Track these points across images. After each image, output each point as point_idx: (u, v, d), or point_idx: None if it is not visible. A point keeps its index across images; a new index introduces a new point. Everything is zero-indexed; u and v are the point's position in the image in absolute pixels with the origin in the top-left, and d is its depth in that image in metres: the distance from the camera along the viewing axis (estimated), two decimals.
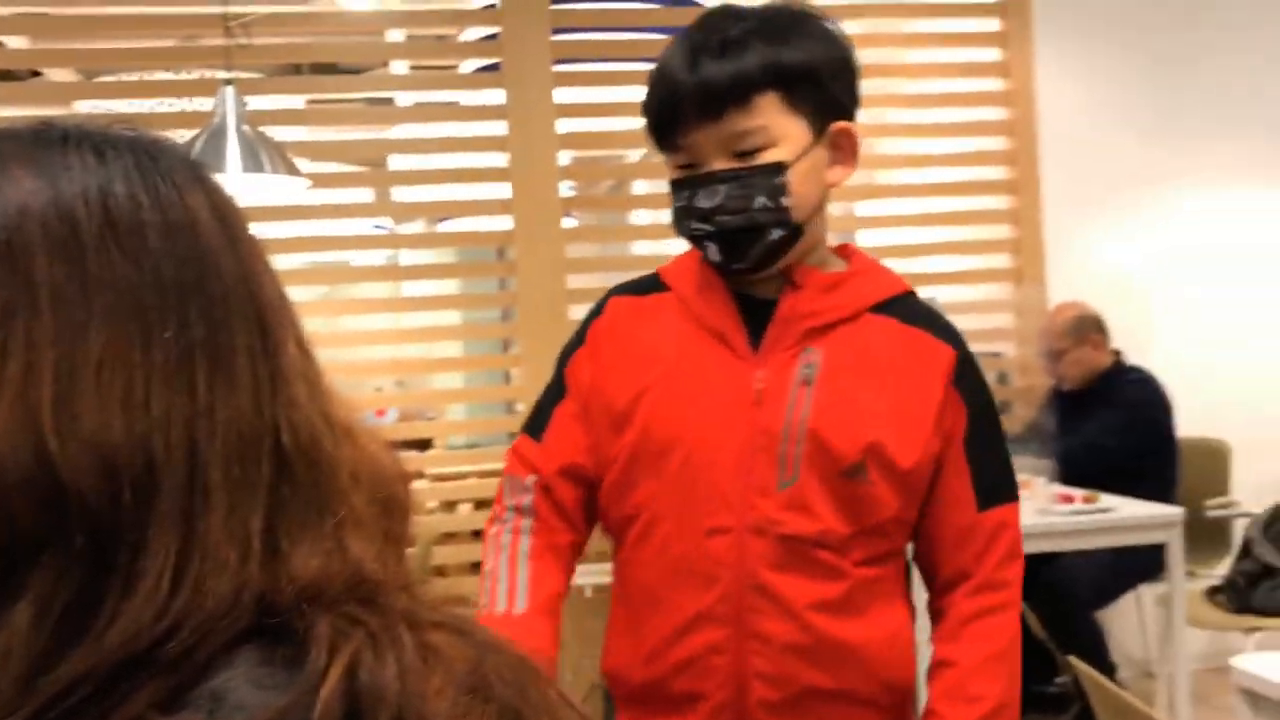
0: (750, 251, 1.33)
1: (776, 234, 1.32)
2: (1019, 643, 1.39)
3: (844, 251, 1.44)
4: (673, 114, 1.33)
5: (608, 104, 4.39)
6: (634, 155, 7.23)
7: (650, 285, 1.45)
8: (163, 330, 0.51)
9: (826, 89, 1.33)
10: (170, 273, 0.52)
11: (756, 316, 1.37)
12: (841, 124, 1.35)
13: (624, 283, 1.49)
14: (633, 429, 1.37)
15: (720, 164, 1.31)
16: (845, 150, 1.37)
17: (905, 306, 1.40)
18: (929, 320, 1.39)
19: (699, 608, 1.34)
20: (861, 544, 1.34)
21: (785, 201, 1.31)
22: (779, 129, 1.31)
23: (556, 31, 4.30)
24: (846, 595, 1.34)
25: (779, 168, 1.30)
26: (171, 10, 4.31)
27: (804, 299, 1.36)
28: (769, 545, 1.32)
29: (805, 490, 1.32)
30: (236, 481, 0.51)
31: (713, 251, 1.35)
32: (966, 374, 1.38)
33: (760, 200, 1.30)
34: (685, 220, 1.35)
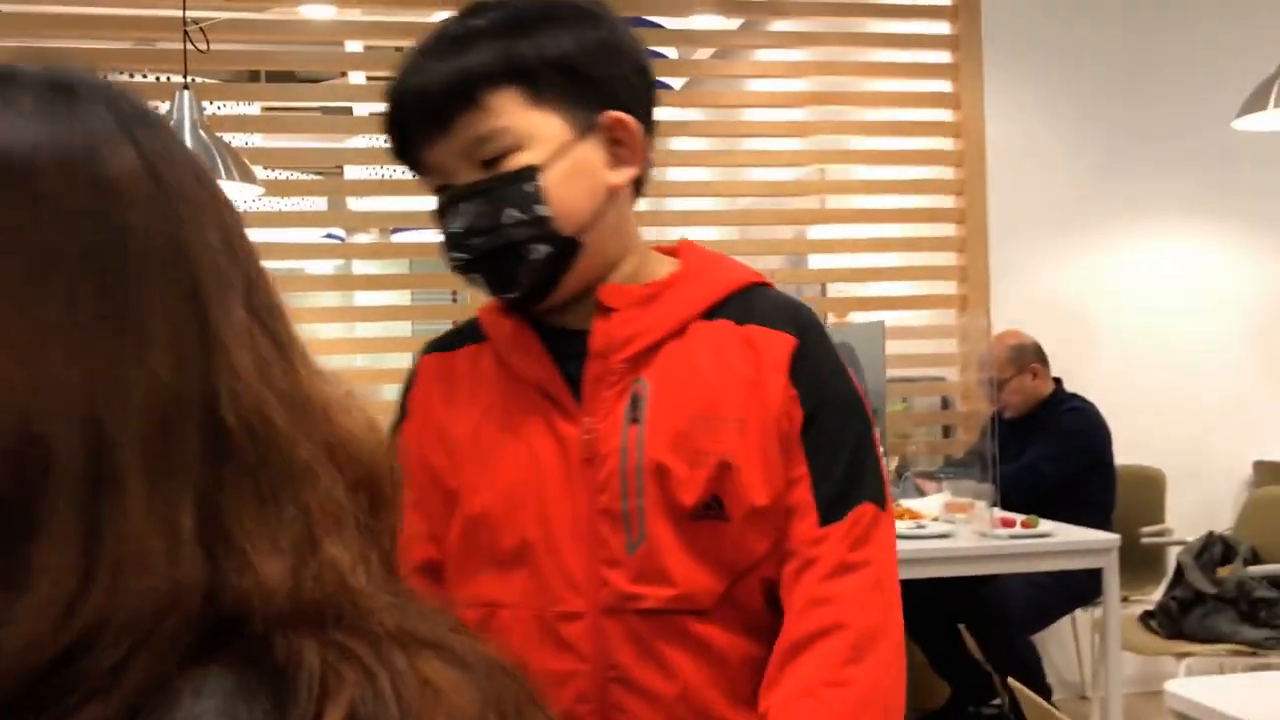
0: (516, 276, 1.12)
1: (540, 250, 1.11)
2: (873, 687, 1.10)
3: (678, 250, 1.24)
4: (401, 128, 1.14)
5: None
6: None
7: (465, 335, 1.24)
8: (59, 287, 0.45)
9: (585, 77, 1.12)
10: (73, 224, 0.46)
11: (580, 355, 1.16)
12: (613, 114, 1.13)
13: (438, 336, 1.28)
14: (460, 512, 1.17)
15: (468, 179, 1.11)
16: (627, 145, 1.14)
17: (742, 303, 1.18)
18: (770, 313, 1.17)
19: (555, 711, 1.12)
20: (745, 602, 1.14)
21: (542, 211, 1.10)
22: (524, 129, 1.10)
23: None
24: (730, 676, 1.13)
25: (528, 172, 1.10)
26: (130, 12, 4.29)
27: (618, 323, 1.15)
28: (627, 626, 1.12)
29: (656, 549, 1.11)
30: (157, 461, 0.44)
31: (480, 283, 1.15)
32: (807, 362, 1.15)
33: (510, 213, 1.10)
34: (446, 252, 1.15)
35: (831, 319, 5.06)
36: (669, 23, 5.26)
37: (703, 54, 5.83)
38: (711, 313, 1.17)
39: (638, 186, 1.19)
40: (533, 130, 1.10)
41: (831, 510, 1.13)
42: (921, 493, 4.03)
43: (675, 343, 1.15)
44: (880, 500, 1.16)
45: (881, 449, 1.18)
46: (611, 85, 1.13)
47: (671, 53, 5.76)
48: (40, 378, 0.43)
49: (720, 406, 1.13)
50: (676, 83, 5.77)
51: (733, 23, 5.35)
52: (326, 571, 0.47)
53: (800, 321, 1.18)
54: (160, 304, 0.46)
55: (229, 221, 0.51)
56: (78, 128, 0.48)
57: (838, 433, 1.16)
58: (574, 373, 1.15)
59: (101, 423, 0.44)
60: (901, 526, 3.42)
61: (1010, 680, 2.10)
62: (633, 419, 1.13)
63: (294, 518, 0.47)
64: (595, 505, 1.13)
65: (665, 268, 1.20)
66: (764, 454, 1.13)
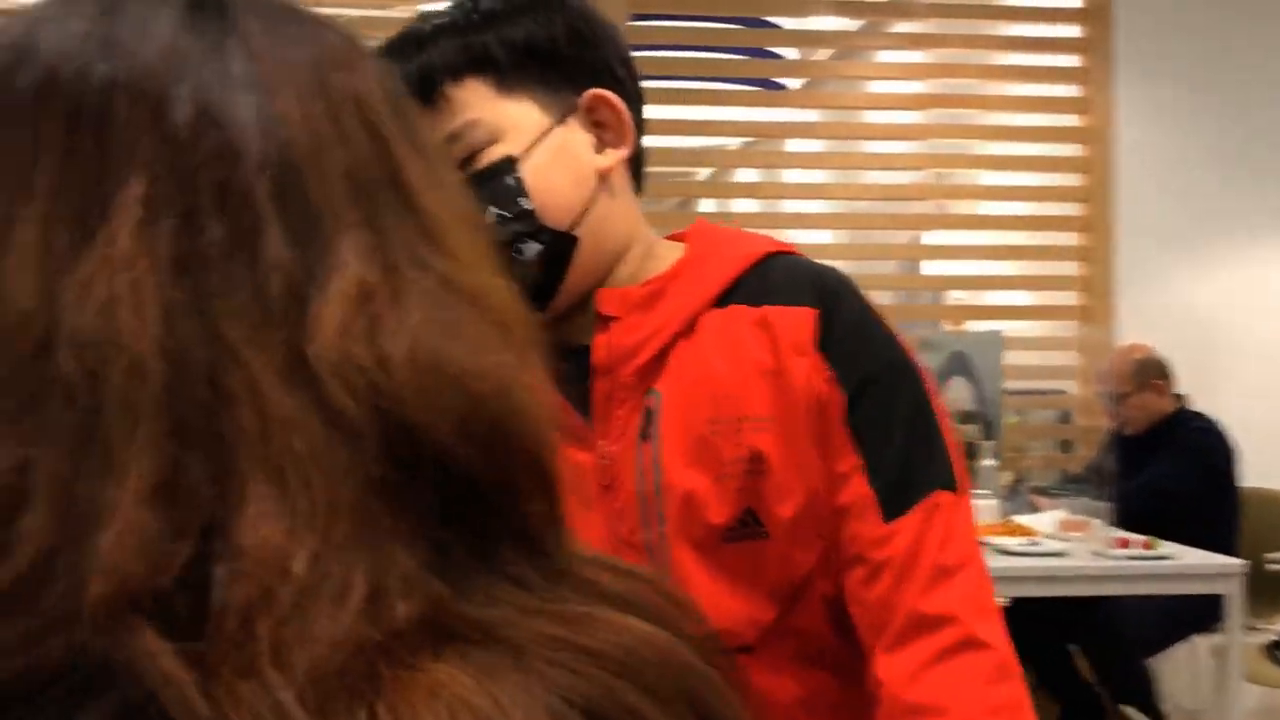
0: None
1: (532, 249, 1.01)
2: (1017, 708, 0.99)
3: (687, 235, 1.12)
4: None
5: (676, 121, 4.40)
6: (702, 173, 7.24)
7: None
8: None
9: (555, 59, 1.03)
10: None
11: (586, 373, 1.05)
12: (593, 92, 1.04)
13: None
14: None
15: None
16: (612, 127, 1.05)
17: (758, 281, 1.05)
18: (786, 286, 1.04)
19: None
20: (807, 628, 1.03)
21: (526, 204, 1.01)
22: (495, 120, 1.01)
23: (633, 49, 4.32)
24: None
25: (505, 165, 1.01)
26: None
27: (619, 333, 1.04)
28: None
29: (681, 582, 0.99)
30: None
31: None
32: (837, 333, 1.02)
33: (493, 212, 1.01)
34: None
35: (947, 326, 4.96)
36: (786, 23, 5.22)
37: (822, 55, 5.77)
38: (723, 299, 1.04)
39: (636, 175, 1.09)
40: (505, 120, 1.01)
41: (895, 502, 0.99)
42: (1036, 509, 3.93)
43: (685, 342, 1.03)
44: (952, 483, 1.01)
45: (949, 424, 1.04)
46: (588, 66, 1.04)
47: (790, 53, 5.71)
48: None
49: (739, 406, 1.00)
50: (794, 84, 5.72)
51: (852, 24, 5.29)
52: (248, 554, 0.32)
53: (822, 288, 1.03)
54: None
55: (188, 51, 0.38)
56: None
57: (890, 407, 1.01)
58: (581, 394, 1.04)
59: None
60: (1014, 544, 3.34)
61: (1127, 708, 2.03)
62: (645, 436, 1.02)
63: (153, 481, 0.33)
64: (617, 538, 1.02)
65: (672, 257, 1.08)
66: (797, 453, 1.00)
